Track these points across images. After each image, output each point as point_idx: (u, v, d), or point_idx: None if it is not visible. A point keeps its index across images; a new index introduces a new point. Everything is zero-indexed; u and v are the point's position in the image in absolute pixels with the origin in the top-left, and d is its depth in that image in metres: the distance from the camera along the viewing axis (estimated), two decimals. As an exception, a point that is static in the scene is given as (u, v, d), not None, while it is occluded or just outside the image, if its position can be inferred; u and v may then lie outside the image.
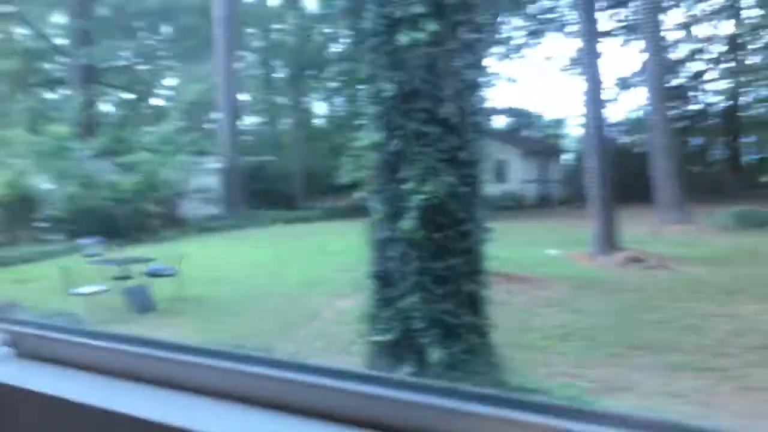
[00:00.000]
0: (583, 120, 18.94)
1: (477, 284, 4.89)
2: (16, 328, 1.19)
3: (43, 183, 20.01)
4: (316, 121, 48.19)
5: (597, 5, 14.83)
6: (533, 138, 48.07)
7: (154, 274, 10.94)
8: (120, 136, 26.41)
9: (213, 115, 37.28)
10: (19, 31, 32.77)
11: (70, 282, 9.45)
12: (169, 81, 41.85)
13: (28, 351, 1.18)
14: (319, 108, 48.88)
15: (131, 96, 38.76)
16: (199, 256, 16.00)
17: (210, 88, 33.28)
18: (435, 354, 4.45)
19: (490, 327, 5.15)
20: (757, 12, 16.73)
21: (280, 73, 40.53)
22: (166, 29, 35.49)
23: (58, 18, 32.30)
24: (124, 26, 31.45)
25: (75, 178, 19.14)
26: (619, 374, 6.29)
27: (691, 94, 42.67)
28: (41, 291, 11.76)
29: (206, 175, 25.68)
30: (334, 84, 35.79)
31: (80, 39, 27.12)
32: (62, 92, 32.61)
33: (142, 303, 9.95)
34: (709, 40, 41.55)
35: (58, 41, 32.34)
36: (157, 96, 41.57)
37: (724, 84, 40.39)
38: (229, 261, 15.22)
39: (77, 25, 26.54)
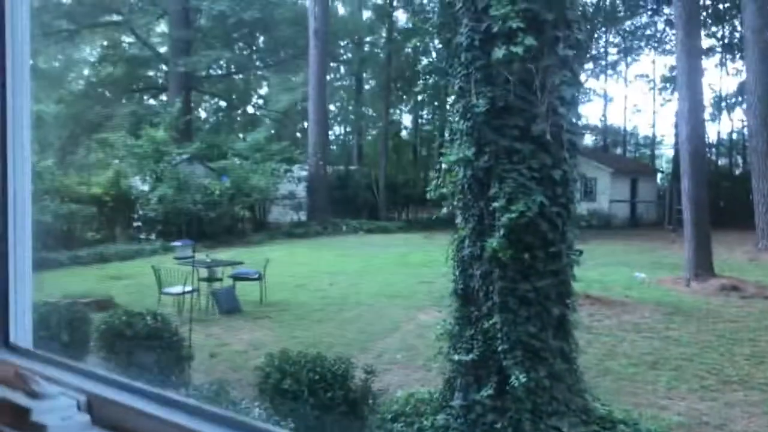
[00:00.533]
0: (678, 140, 18.26)
1: (564, 307, 4.75)
2: (95, 390, 1.19)
3: (140, 184, 20.97)
4: (402, 134, 48.50)
5: (695, 22, 14.23)
6: (625, 157, 46.72)
7: (240, 278, 11.23)
8: (214, 142, 27.38)
9: (303, 125, 38.18)
10: (125, 39, 34.62)
11: (162, 281, 9.83)
12: (263, 90, 43.15)
13: (104, 419, 1.18)
14: (406, 120, 49.21)
15: (226, 104, 40.15)
16: (284, 261, 16.34)
17: (301, 99, 34.11)
18: (518, 377, 4.34)
19: (576, 352, 4.99)
20: None
21: (369, 85, 41.06)
22: (262, 40, 36.61)
23: (162, 27, 33.88)
24: (223, 37, 32.62)
25: (170, 181, 19.92)
26: (711, 409, 5.98)
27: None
28: (135, 288, 12.30)
29: (294, 183, 26.25)
30: (421, 97, 35.90)
31: (181, 48, 28.34)
32: (162, 98, 34.13)
33: (227, 305, 10.23)
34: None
35: (161, 50, 33.90)
36: (251, 105, 42.92)
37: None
38: (313, 268, 15.45)
39: (179, 34, 27.73)
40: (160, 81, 35.33)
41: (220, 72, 35.76)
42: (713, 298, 11.64)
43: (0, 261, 1.38)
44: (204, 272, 10.80)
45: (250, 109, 43.25)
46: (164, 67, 33.13)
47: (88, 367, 1.27)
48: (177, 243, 12.22)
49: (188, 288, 9.72)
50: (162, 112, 23.58)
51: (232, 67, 35.01)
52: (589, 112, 52.86)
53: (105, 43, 35.41)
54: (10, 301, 1.41)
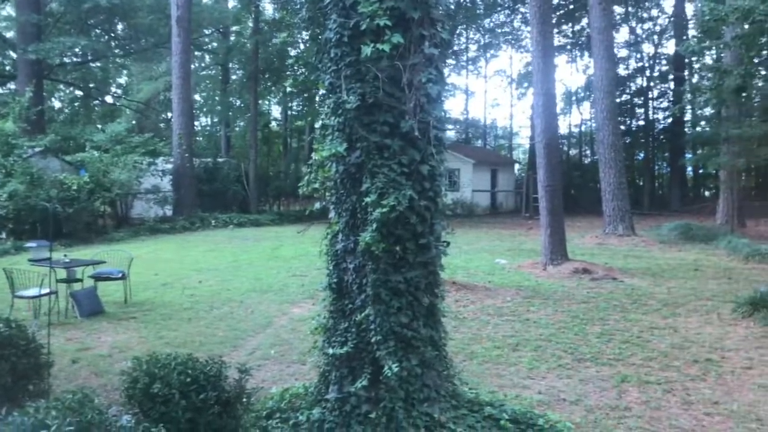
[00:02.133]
0: (533, 132, 19.33)
1: (434, 296, 4.92)
2: None
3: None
4: (272, 125, 47.93)
5: (548, 20, 15.11)
6: (485, 149, 48.86)
7: (102, 277, 10.70)
8: (70, 133, 25.78)
9: (167, 115, 36.77)
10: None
11: (15, 284, 9.18)
12: (123, 80, 41.08)
13: None
14: (276, 112, 48.68)
15: (83, 93, 37.83)
16: (150, 258, 15.74)
17: (164, 88, 32.81)
18: (390, 367, 4.46)
19: (445, 338, 5.19)
20: (698, 34, 17.48)
21: (237, 75, 40.19)
22: (121, 27, 34.78)
23: (8, 10, 31.37)
24: (78, 22, 30.67)
25: (21, 176, 18.59)
26: (567, 386, 6.42)
27: (637, 110, 43.99)
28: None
29: (158, 176, 25.23)
30: (291, 90, 35.61)
31: (30, 33, 26.35)
32: (10, 87, 31.65)
33: (89, 307, 9.72)
34: (655, 58, 42.92)
35: (7, 35, 31.40)
36: (110, 94, 40.74)
37: (669, 101, 41.74)
38: (181, 264, 14.99)
39: (27, 18, 25.78)
40: (8, 68, 32.71)
41: (75, 60, 33.64)
42: (567, 280, 12.47)
43: None
44: (62, 273, 10.20)
45: (109, 99, 41.06)
46: (12, 54, 30.70)
47: None
48: (32, 244, 11.43)
49: (45, 290, 9.14)
50: (10, 102, 21.86)
51: (89, 54, 33.05)
52: (452, 107, 54.79)
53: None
54: None
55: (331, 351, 4.86)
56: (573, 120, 50.51)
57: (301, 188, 5.04)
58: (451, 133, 48.35)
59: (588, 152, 47.47)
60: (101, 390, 6.14)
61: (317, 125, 4.97)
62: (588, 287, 11.83)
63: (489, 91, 66.09)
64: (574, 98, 46.79)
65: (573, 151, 49.70)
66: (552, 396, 6.13)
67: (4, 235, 18.42)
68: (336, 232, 4.87)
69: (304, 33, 5.31)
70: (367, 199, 4.49)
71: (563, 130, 46.63)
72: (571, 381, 6.58)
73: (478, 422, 4.92)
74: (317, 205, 5.09)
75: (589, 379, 6.63)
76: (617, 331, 8.55)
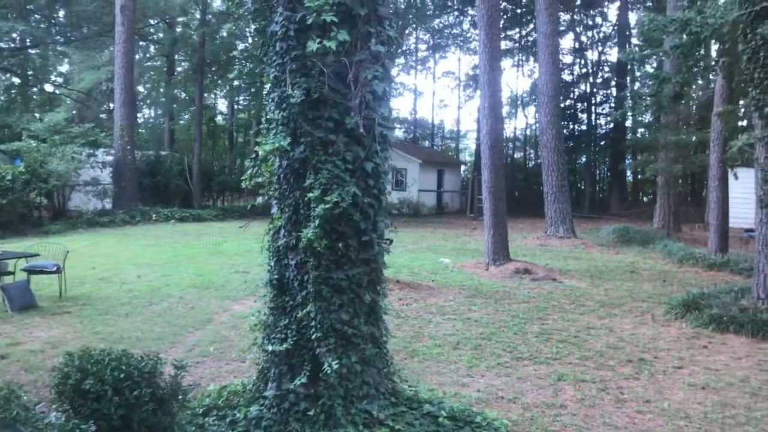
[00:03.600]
0: (479, 134, 19.54)
1: (375, 294, 4.92)
2: None
3: None
4: (218, 119, 47.21)
5: (495, 24, 15.32)
6: (432, 149, 49.22)
7: (35, 271, 10.34)
8: (6, 121, 24.83)
9: (108, 106, 35.80)
10: None
11: (-60, 276, 8.80)
12: (63, 68, 39.80)
13: None
14: (222, 105, 47.95)
15: (20, 80, 36.46)
16: (87, 252, 15.31)
17: (107, 78, 31.91)
18: (330, 364, 4.44)
19: (387, 336, 5.20)
20: (639, 42, 18.03)
21: (182, 67, 39.41)
22: (63, 14, 33.68)
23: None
24: (16, 6, 29.55)
25: (-50, 164, 17.83)
26: (505, 384, 6.51)
27: (580, 114, 45.06)
28: None
29: (98, 168, 24.52)
30: (237, 82, 35.14)
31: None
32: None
33: (21, 301, 9.39)
34: (598, 65, 44.06)
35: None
36: (49, 82, 39.42)
37: (610, 107, 42.90)
38: (119, 259, 14.61)
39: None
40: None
41: (12, 45, 32.41)
42: (509, 280, 12.67)
43: None
44: (-8, 265, 9.82)
45: (48, 88, 39.69)
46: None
47: None
48: (-41, 234, 10.97)
49: (-27, 283, 8.79)
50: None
51: (28, 40, 31.89)
52: (401, 106, 55.08)
53: None
54: None
55: (270, 348, 4.82)
56: (518, 123, 51.41)
57: (244, 182, 4.97)
58: (398, 133, 48.57)
59: (532, 155, 48.36)
60: (31, 387, 5.94)
61: (263, 121, 4.89)
62: (529, 287, 12.04)
63: (437, 92, 66.61)
64: (519, 102, 47.59)
65: (518, 154, 50.57)
66: (490, 394, 6.21)
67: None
68: (278, 227, 4.82)
69: (252, 25, 5.24)
70: (311, 195, 4.46)
71: (509, 133, 47.41)
72: (510, 379, 6.68)
73: (417, 419, 4.94)
74: (260, 200, 5.03)
75: (526, 378, 6.75)
76: (555, 331, 8.72)
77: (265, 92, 4.99)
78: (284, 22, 4.64)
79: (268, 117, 4.85)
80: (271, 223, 4.92)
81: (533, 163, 46.43)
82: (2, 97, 36.97)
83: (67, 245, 11.46)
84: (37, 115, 29.64)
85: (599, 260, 16.33)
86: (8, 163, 20.13)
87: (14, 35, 30.13)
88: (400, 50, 39.22)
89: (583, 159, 45.75)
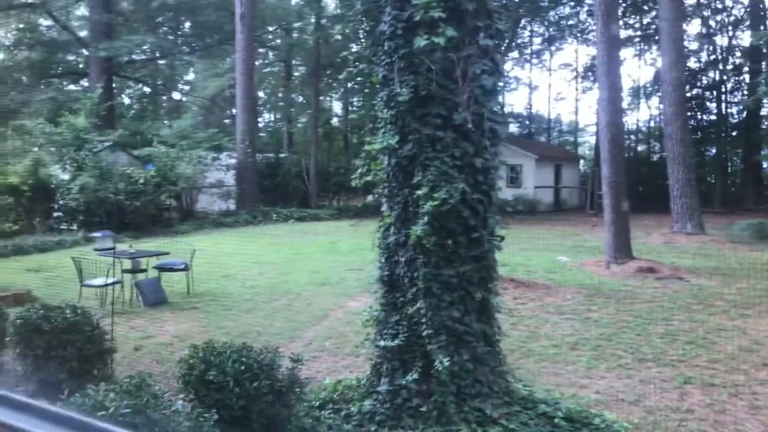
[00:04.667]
0: (598, 127, 18.85)
1: (487, 291, 4.86)
2: None
3: (60, 173, 20.19)
4: (333, 121, 48.34)
5: (614, 12, 14.70)
6: (549, 144, 48.00)
7: (166, 268, 11.01)
8: (138, 129, 26.59)
9: (231, 111, 37.53)
10: (43, 22, 33.10)
11: (83, 273, 9.54)
12: (189, 76, 42.12)
13: None
14: (336, 107, 49.07)
15: (150, 90, 39.00)
16: (212, 251, 16.09)
17: (229, 84, 33.48)
18: (441, 361, 4.43)
19: (499, 335, 5.12)
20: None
21: (299, 72, 40.65)
22: (188, 25, 35.69)
23: (82, 10, 32.57)
24: (146, 20, 31.63)
25: (91, 169, 19.28)
26: (627, 386, 6.24)
27: (708, 104, 42.42)
28: (55, 281, 11.88)
29: (222, 171, 25.79)
30: (351, 84, 35.80)
31: (102, 32, 27.33)
32: (83, 84, 32.87)
33: (153, 296, 10.02)
34: (729, 50, 41.30)
35: (81, 33, 32.59)
36: (177, 90, 41.84)
37: (743, 95, 40.13)
38: (242, 257, 15.28)
39: (99, 18, 26.73)
40: (81, 66, 33.99)
41: (143, 57, 34.69)
42: (631, 279, 12.13)
43: None
44: (128, 263, 10.53)
45: (176, 95, 42.19)
46: (85, 52, 31.88)
47: None
48: (96, 234, 11.87)
49: (111, 280, 9.46)
50: (82, 98, 22.67)
51: (157, 52, 34.02)
52: (515, 101, 54.04)
53: (21, 25, 33.80)
54: None
55: (382, 343, 4.87)
56: (641, 115, 49.22)
57: (354, 181, 5.05)
58: (513, 128, 47.74)
59: (657, 148, 46.05)
60: (161, 377, 6.31)
61: (371, 121, 4.94)
62: (652, 286, 11.48)
63: (553, 85, 64.99)
64: (641, 93, 45.44)
65: (641, 147, 48.31)
66: (610, 396, 5.97)
67: (75, 227, 19.16)
68: (388, 225, 4.86)
69: (365, 25, 5.31)
70: (419, 192, 4.46)
71: (630, 125, 45.40)
72: (631, 381, 6.40)
73: (532, 419, 4.83)
74: (370, 199, 5.10)
75: (649, 380, 6.43)
76: (682, 332, 8.26)
77: (375, 92, 5.04)
78: (392, 21, 4.68)
79: (377, 116, 4.90)
80: (382, 221, 4.97)
81: (658, 156, 44.18)
82: (135, 106, 39.64)
83: (194, 244, 12.11)
84: (166, 121, 31.51)
85: (731, 258, 15.30)
86: (141, 168, 21.51)
87: (145, 47, 32.20)
88: (513, 44, 38.58)
89: (713, 151, 43.03)
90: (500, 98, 4.94)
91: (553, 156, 38.05)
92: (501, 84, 5.01)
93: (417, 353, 4.68)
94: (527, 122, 50.67)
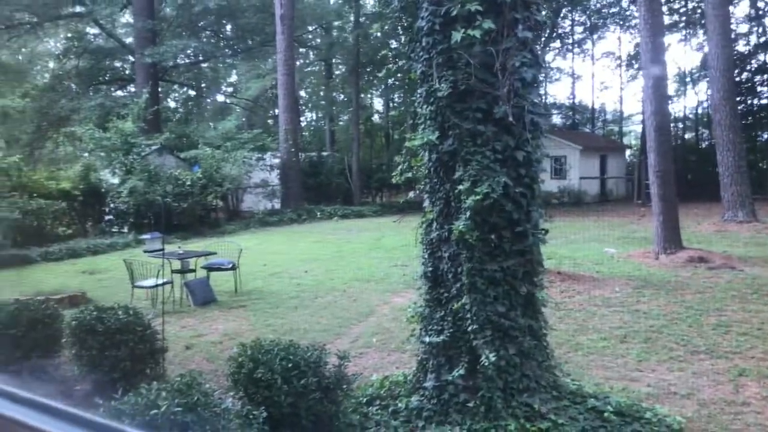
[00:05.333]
0: (644, 115, 18.45)
1: (532, 285, 4.82)
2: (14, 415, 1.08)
3: (110, 177, 20.72)
4: (374, 117, 48.44)
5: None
6: (593, 134, 47.18)
7: (213, 268, 11.21)
8: (184, 131, 27.09)
9: (274, 111, 37.93)
10: (90, 30, 33.99)
11: (134, 274, 9.78)
12: (232, 78, 42.71)
13: None
14: (378, 104, 49.15)
15: (195, 93, 39.68)
16: (258, 250, 16.33)
17: (271, 85, 33.86)
18: (488, 356, 4.42)
19: (546, 329, 5.08)
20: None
21: (339, 70, 40.84)
22: (229, 28, 36.19)
23: (127, 17, 33.31)
24: (189, 25, 32.19)
25: (139, 173, 19.73)
26: (679, 379, 6.12)
27: (759, 88, 41.10)
28: (108, 282, 12.22)
29: (266, 170, 26.13)
30: (391, 81, 35.79)
31: (147, 38, 27.93)
32: (130, 89, 33.62)
33: (202, 296, 10.21)
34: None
35: (127, 40, 33.36)
36: (221, 93, 42.47)
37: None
38: (288, 255, 15.46)
39: (143, 24, 27.32)
40: (127, 72, 34.78)
41: (187, 61, 35.32)
42: (681, 270, 11.87)
43: None
44: (177, 264, 10.76)
45: (220, 98, 42.82)
46: (131, 58, 32.61)
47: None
48: (146, 236, 12.16)
49: (161, 280, 9.68)
50: (130, 104, 23.24)
51: (200, 55, 34.59)
52: (557, 91, 53.24)
53: (69, 35, 34.77)
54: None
55: (428, 339, 4.87)
56: (688, 102, 47.97)
57: (395, 178, 5.07)
58: (556, 119, 47.08)
59: (705, 135, 44.84)
60: (212, 375, 6.44)
61: (411, 118, 4.95)
62: (704, 276, 11.21)
63: (597, 74, 63.73)
64: (688, 79, 44.29)
65: (689, 135, 47.10)
66: (662, 389, 5.86)
67: (126, 229, 19.65)
68: (430, 220, 4.86)
69: (402, 22, 5.31)
70: (461, 187, 4.45)
71: (677, 112, 44.29)
72: (684, 374, 6.27)
73: (581, 414, 4.78)
74: (411, 195, 5.11)
75: (703, 373, 6.29)
76: (735, 323, 8.05)
77: (414, 89, 5.04)
78: (429, 17, 4.67)
79: (416, 112, 4.91)
80: (424, 217, 4.98)
81: (706, 143, 43.02)
82: (180, 109, 40.37)
83: (240, 244, 12.30)
84: (211, 123, 32.02)
85: (786, 246, 14.84)
86: (187, 170, 21.92)
87: (188, 52, 32.78)
88: (554, 34, 38.04)
89: (764, 136, 41.68)
90: (541, 90, 4.89)
91: (599, 146, 37.41)
92: (542, 75, 4.95)
93: (463, 349, 4.67)
94: (571, 113, 49.88)
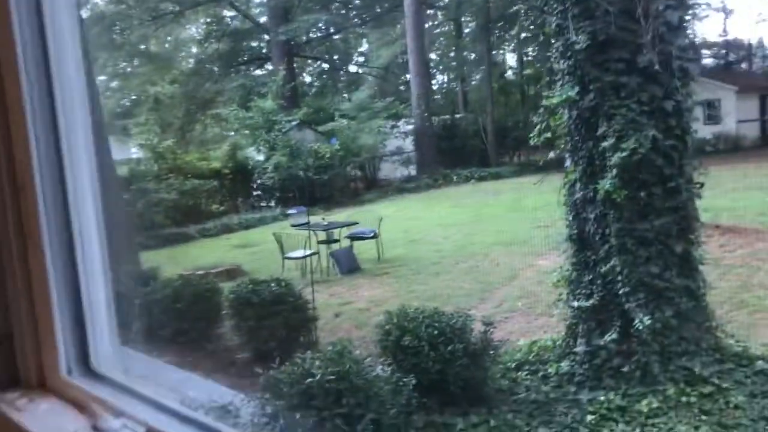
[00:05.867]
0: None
1: (688, 243, 4.53)
2: (154, 422, 1.12)
3: (255, 154, 21.73)
4: (508, 74, 47.21)
5: None
6: (751, 72, 43.22)
7: (356, 237, 11.49)
8: (320, 105, 27.80)
9: (405, 77, 38.01)
10: (227, 13, 35.58)
11: (284, 246, 10.24)
12: (363, 48, 43.19)
13: None
14: (511, 60, 47.81)
15: (328, 66, 40.53)
16: (397, 217, 16.55)
17: (401, 51, 33.87)
18: (642, 320, 4.21)
19: (705, 288, 4.76)
20: None
21: (469, 28, 40.07)
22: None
23: (260, -2, 34.48)
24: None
25: (282, 149, 20.50)
26: None
27: None
28: (260, 255, 12.88)
29: (401, 138, 26.31)
30: (524, 35, 34.63)
31: (280, 16, 28.79)
32: (267, 68, 34.92)
33: (347, 265, 10.52)
34: None
35: (261, 20, 34.57)
36: (353, 63, 43.11)
37: None
38: (426, 221, 15.55)
39: (276, 2, 28.18)
40: (264, 51, 36.11)
41: (319, 35, 36.05)
42: None
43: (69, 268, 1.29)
44: (322, 235, 11.13)
45: (352, 68, 43.45)
46: (266, 37, 33.80)
47: (152, 394, 1.25)
48: (292, 211, 12.67)
49: (309, 251, 10.07)
50: (268, 82, 24.12)
51: (331, 28, 35.18)
52: (707, 30, 49.07)
53: (208, 20, 36.59)
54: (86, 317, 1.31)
55: (576, 304, 4.73)
56: None
57: (533, 139, 4.91)
58: (706, 60, 43.60)
59: None
60: (360, 341, 6.62)
61: (547, 74, 4.76)
62: None
63: (753, 5, 58.04)
64: None
65: None
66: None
67: (273, 203, 20.58)
68: (573, 181, 4.68)
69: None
70: (605, 144, 4.23)
71: None
72: None
73: (748, 377, 4.46)
74: (552, 155, 4.92)
75: None
76: None
77: (549, 44, 4.83)
78: (562, -34, 4.44)
79: (553, 68, 4.70)
80: (566, 177, 4.79)
81: None
82: (316, 83, 41.44)
83: (380, 212, 12.52)
84: (345, 95, 32.63)
85: None
86: (326, 143, 22.51)
87: (320, 25, 33.44)
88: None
89: None
90: (689, 32, 4.51)
91: (758, 86, 34.24)
92: (689, 16, 4.57)
93: (614, 312, 4.49)
94: (723, 51, 45.97)
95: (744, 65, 45.61)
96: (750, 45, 46.48)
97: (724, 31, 46.03)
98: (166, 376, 1.97)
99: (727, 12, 45.63)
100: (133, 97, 35.45)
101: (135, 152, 21.87)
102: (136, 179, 17.31)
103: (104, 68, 32.58)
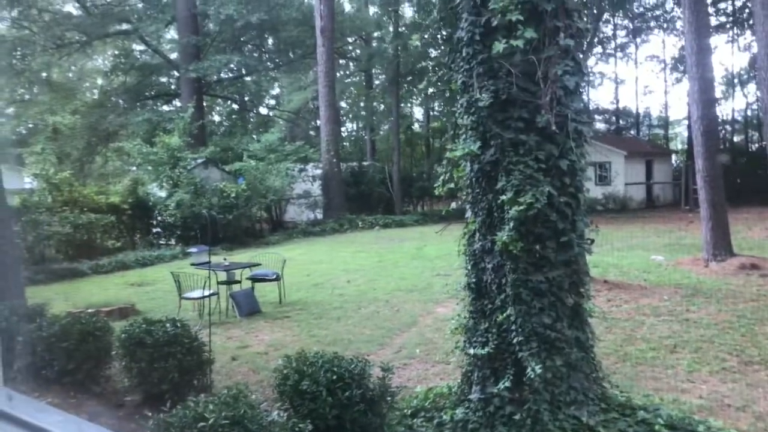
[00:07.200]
0: (690, 119, 18.02)
1: (578, 296, 4.74)
2: None
3: (157, 191, 21.15)
4: (414, 126, 48.47)
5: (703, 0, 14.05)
6: (638, 139, 46.33)
7: (258, 279, 11.33)
8: (228, 145, 27.52)
9: (315, 123, 38.28)
10: (136, 47, 34.89)
11: (181, 286, 9.96)
12: (275, 91, 43.30)
13: None
14: (418, 113, 49.19)
15: (238, 106, 40.29)
16: (302, 260, 16.46)
17: (312, 97, 34.20)
18: (534, 369, 4.36)
19: (593, 339, 4.99)
20: None
21: (379, 80, 41.02)
22: (271, 42, 36.72)
23: (171, 34, 34.09)
24: (232, 40, 32.75)
25: (186, 186, 20.07)
26: (732, 390, 5.95)
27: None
28: (156, 294, 12.45)
29: (309, 181, 26.39)
30: (431, 90, 35.76)
31: (191, 53, 28.50)
32: (175, 104, 34.32)
33: (247, 307, 10.33)
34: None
35: (172, 56, 34.10)
36: (264, 106, 43.06)
37: None
38: (331, 265, 15.54)
39: (188, 40, 27.91)
40: (173, 87, 35.54)
41: (231, 75, 35.92)
42: (733, 277, 11.56)
43: None
44: (222, 276, 10.91)
45: (263, 110, 43.40)
46: (176, 73, 33.32)
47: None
48: (193, 249, 12.37)
49: (207, 292, 9.83)
50: (175, 118, 23.69)
51: (243, 69, 35.18)
52: (600, 96, 52.46)
53: (116, 52, 35.74)
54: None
55: (472, 351, 4.83)
56: (736, 104, 46.73)
57: (437, 189, 5.05)
58: (599, 125, 46.40)
59: (755, 137, 43.64)
60: (258, 386, 6.50)
61: (451, 128, 4.95)
62: (757, 284, 10.90)
63: (641, 78, 62.58)
64: (736, 80, 43.23)
65: (738, 138, 45.93)
66: (715, 401, 5.70)
67: (173, 241, 20.02)
68: (473, 231, 4.83)
69: (442, 32, 5.31)
70: (503, 197, 4.41)
71: (725, 115, 43.22)
72: (737, 385, 6.09)
73: (630, 427, 4.68)
74: (453, 205, 5.08)
75: (758, 384, 6.11)
76: (791, 332, 7.81)
77: (454, 99, 5.03)
78: (469, 27, 4.66)
79: (457, 122, 4.89)
80: (466, 227, 4.95)
81: (756, 146, 41.88)
82: (225, 123, 41.05)
83: (284, 254, 12.42)
84: (254, 136, 32.49)
85: (844, 251, 14.32)
86: (232, 182, 22.24)
87: (232, 66, 33.33)
88: (596, 39, 37.51)
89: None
90: (584, 97, 4.82)
91: (644, 151, 36.73)
92: (584, 82, 4.89)
93: (508, 361, 4.62)
94: (614, 118, 49.12)
95: (632, 132, 48.84)
96: (638, 113, 49.94)
97: (616, 99, 49.29)
98: (48, 418, 1.89)
99: (618, 82, 48.97)
100: (30, 125, 33.97)
101: (29, 182, 20.79)
102: (28, 210, 16.43)
103: (0, 93, 31.10)
